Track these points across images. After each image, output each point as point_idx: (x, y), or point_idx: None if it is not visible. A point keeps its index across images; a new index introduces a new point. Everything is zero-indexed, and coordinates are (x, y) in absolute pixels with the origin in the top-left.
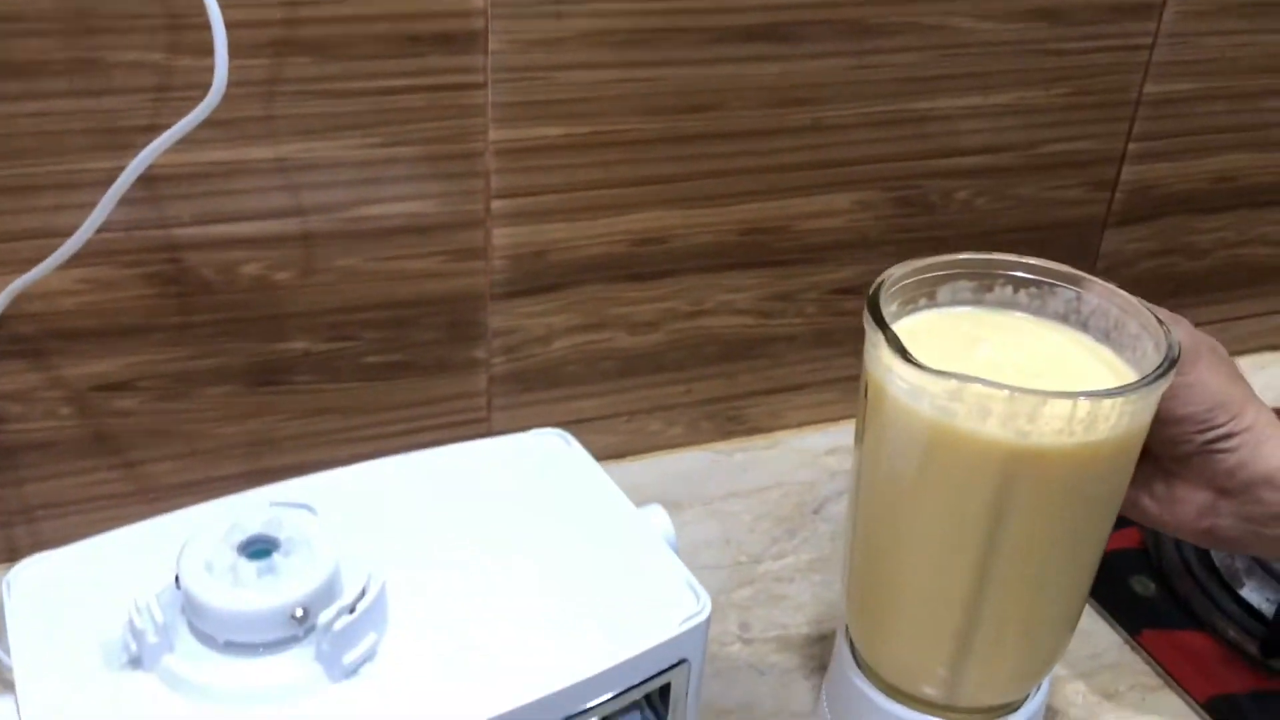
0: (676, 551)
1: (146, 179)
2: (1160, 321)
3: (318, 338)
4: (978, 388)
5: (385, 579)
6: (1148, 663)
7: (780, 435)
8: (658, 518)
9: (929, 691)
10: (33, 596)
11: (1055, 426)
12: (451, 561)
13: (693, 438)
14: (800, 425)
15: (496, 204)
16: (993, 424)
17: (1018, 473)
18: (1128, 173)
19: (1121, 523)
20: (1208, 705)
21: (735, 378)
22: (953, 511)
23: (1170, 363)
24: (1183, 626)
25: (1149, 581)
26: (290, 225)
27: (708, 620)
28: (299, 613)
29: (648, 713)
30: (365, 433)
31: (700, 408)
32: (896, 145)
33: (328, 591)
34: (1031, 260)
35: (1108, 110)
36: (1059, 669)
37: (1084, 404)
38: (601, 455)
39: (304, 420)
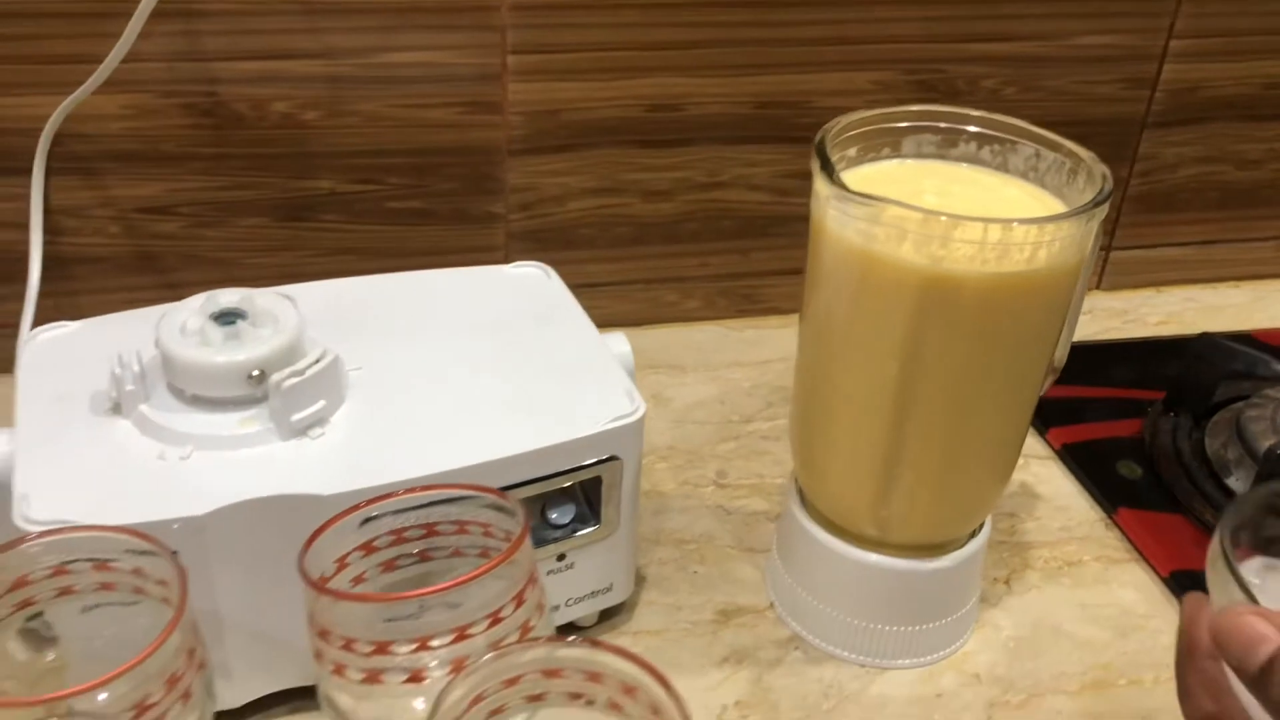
0: (632, 375)
1: (184, 13)
2: (1104, 175)
3: (343, 178)
4: (894, 209)
5: (339, 355)
6: (1120, 540)
7: (795, 318)
8: (617, 343)
9: (863, 527)
10: (43, 356)
11: (967, 253)
12: (415, 358)
13: (709, 312)
14: None
15: (512, 59)
16: (908, 248)
17: (932, 301)
18: (1169, 71)
19: (1123, 413)
20: (1170, 578)
21: (750, 255)
22: (874, 343)
23: (1094, 204)
24: (1161, 509)
25: (1136, 466)
26: (316, 67)
27: (639, 422)
28: (255, 372)
29: (583, 508)
30: None
31: (716, 283)
32: (920, 26)
33: (285, 358)
34: (991, 115)
35: (1146, 4)
36: (1024, 536)
37: (994, 229)
38: (617, 323)
39: (330, 258)
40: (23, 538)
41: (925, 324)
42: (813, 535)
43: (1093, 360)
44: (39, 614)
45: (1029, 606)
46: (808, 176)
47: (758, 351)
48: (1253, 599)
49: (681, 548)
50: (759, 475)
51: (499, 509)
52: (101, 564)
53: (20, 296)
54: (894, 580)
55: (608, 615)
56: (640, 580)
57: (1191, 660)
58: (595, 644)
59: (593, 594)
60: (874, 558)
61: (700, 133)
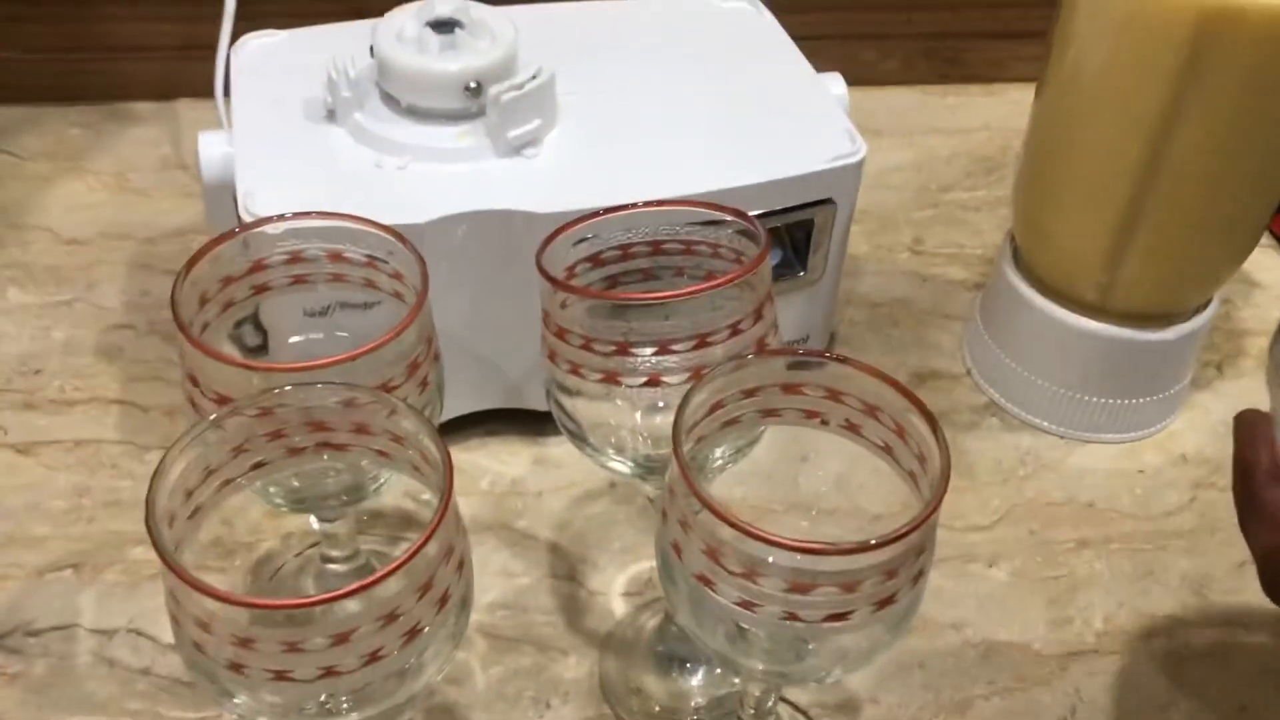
0: (847, 114)
1: None
2: None
3: None
4: None
5: (556, 73)
6: None
7: (999, 86)
8: (834, 84)
9: (1085, 291)
10: (254, 62)
11: None
12: (626, 86)
13: (907, 75)
14: (1024, 80)
15: None
16: None
17: (1208, 42)
18: None
19: None
20: None
21: (960, 13)
22: (1131, 97)
23: None
24: None
25: None
26: None
27: (859, 165)
28: (472, 84)
29: (788, 253)
30: None
31: (919, 42)
32: None
33: (502, 70)
34: None
35: None
36: (1240, 324)
37: None
38: None
39: None
40: (263, 219)
41: (1194, 71)
42: (1026, 298)
43: None
44: (249, 319)
45: (1241, 393)
46: None
47: (958, 119)
48: None
49: (875, 310)
50: (958, 245)
51: (731, 229)
52: (335, 254)
53: (216, 17)
54: (1109, 349)
55: None
56: (831, 338)
57: (1251, 485)
58: (843, 359)
59: (790, 344)
60: (1091, 324)
61: None
